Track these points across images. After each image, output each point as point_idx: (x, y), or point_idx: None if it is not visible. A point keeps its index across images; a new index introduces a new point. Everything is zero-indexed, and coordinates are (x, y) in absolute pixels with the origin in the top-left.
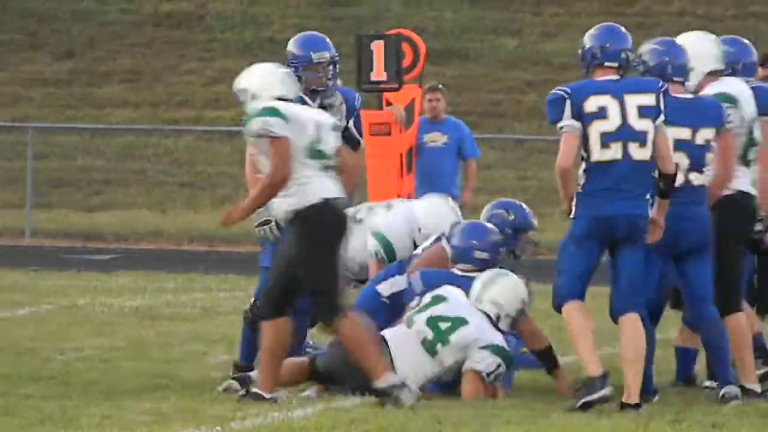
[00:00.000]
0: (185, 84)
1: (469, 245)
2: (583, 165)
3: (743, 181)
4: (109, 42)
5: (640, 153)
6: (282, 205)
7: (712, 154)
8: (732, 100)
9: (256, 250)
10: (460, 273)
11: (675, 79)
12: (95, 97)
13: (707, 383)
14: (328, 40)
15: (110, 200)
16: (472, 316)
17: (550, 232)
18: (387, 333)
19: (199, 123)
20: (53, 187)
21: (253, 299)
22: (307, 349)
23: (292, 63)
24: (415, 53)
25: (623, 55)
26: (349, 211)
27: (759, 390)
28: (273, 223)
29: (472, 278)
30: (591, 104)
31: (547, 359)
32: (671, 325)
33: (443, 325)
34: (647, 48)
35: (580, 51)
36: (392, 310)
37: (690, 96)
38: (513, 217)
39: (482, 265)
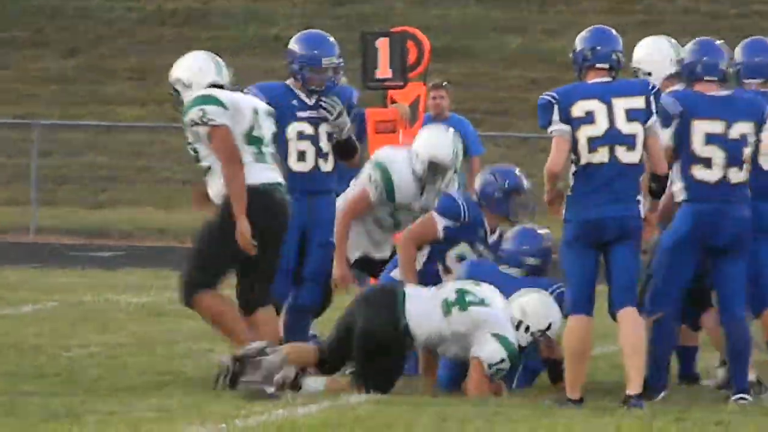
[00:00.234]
0: None
1: (520, 250)
2: (573, 168)
3: None
4: (114, 39)
5: (628, 156)
6: (216, 187)
7: (750, 149)
8: None
9: None
10: (506, 272)
11: (706, 78)
12: (101, 95)
13: (707, 382)
14: (334, 41)
15: (115, 197)
16: (497, 305)
17: (555, 231)
18: (410, 287)
19: None
20: (58, 184)
21: None
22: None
23: (299, 61)
24: (420, 51)
25: (614, 57)
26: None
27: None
28: None
29: (517, 279)
30: (578, 109)
31: (554, 370)
32: None
33: (468, 297)
34: (686, 48)
35: (571, 54)
36: None
37: (726, 93)
38: (501, 181)
39: (531, 271)
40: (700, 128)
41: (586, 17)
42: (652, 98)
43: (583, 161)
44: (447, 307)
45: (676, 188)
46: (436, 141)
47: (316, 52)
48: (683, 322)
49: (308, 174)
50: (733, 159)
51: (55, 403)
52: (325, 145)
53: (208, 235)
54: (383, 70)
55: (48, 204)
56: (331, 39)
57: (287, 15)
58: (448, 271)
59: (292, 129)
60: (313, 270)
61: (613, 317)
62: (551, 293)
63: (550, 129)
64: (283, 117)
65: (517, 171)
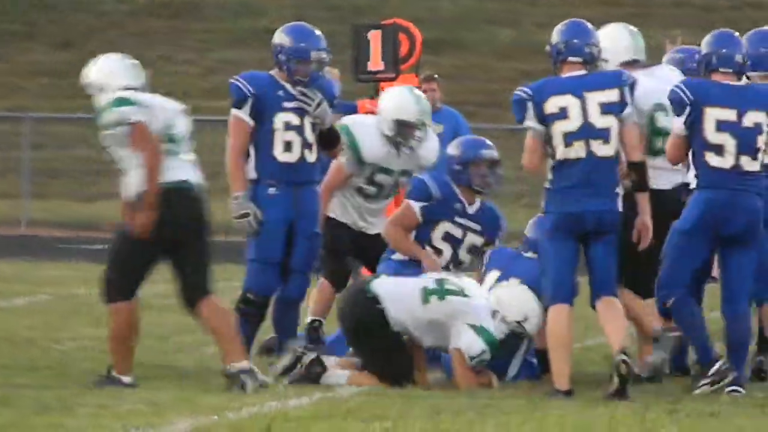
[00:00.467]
0: (182, 74)
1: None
2: (550, 162)
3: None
4: (106, 32)
5: (603, 149)
6: (131, 185)
7: (764, 138)
8: None
9: None
10: (529, 257)
11: (721, 69)
12: None
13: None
14: (321, 34)
15: (107, 190)
16: (476, 296)
17: None
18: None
19: (196, 113)
20: (49, 177)
21: (242, 292)
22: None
23: (286, 53)
24: (411, 43)
25: (587, 50)
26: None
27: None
28: (252, 216)
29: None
30: (551, 105)
31: (545, 361)
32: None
33: (447, 286)
34: (704, 40)
35: (547, 47)
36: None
37: (741, 83)
38: (459, 152)
39: None
40: (712, 115)
41: (577, 9)
42: (626, 89)
43: (559, 156)
44: (426, 295)
45: (691, 176)
46: (399, 100)
47: (303, 44)
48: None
49: (294, 165)
50: (746, 147)
51: (47, 396)
52: (310, 135)
53: (122, 237)
54: (375, 63)
55: (39, 197)
56: (318, 32)
57: (279, 7)
58: (438, 252)
59: (279, 119)
60: (300, 262)
61: (594, 309)
62: None
63: (525, 124)
64: (269, 107)
65: (486, 142)
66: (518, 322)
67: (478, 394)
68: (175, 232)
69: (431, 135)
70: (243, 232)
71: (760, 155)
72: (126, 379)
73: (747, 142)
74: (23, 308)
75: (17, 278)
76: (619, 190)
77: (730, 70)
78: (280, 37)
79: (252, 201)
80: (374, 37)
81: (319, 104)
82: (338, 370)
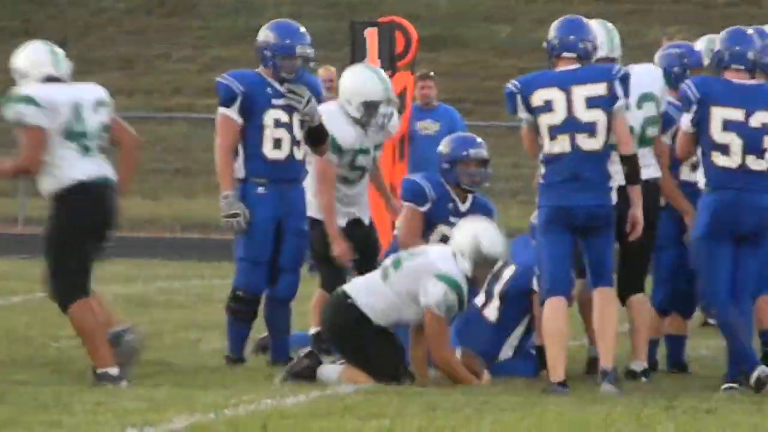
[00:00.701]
0: (179, 71)
1: None
2: (540, 156)
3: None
4: (102, 29)
5: (589, 143)
6: (42, 186)
7: None
8: None
9: None
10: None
11: (733, 66)
12: None
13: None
14: (305, 30)
15: None
16: (429, 252)
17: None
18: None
19: (193, 110)
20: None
21: (232, 290)
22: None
23: (272, 49)
24: (407, 40)
25: (582, 46)
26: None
27: (638, 369)
28: (241, 216)
29: None
30: (537, 98)
31: (542, 356)
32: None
33: (402, 257)
34: (718, 37)
35: (544, 43)
36: None
37: (751, 82)
38: (447, 150)
39: None
40: (719, 114)
41: (574, 6)
42: (616, 83)
43: (546, 149)
44: (384, 273)
45: (699, 175)
46: (362, 82)
47: (288, 41)
48: (675, 309)
49: (283, 162)
50: (753, 147)
51: (44, 393)
52: (298, 132)
53: (51, 240)
54: (372, 60)
55: (36, 195)
56: (303, 29)
57: (276, 4)
58: None
59: (269, 117)
60: (289, 260)
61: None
62: None
63: (518, 116)
64: (258, 105)
65: (475, 140)
66: (477, 249)
67: (475, 391)
68: (87, 228)
69: (394, 111)
70: (231, 230)
71: (767, 155)
72: (112, 370)
73: (753, 143)
74: (20, 306)
75: (15, 276)
76: (612, 184)
77: (743, 67)
78: (264, 34)
79: (241, 200)
80: (371, 34)
81: (308, 101)
82: (331, 365)
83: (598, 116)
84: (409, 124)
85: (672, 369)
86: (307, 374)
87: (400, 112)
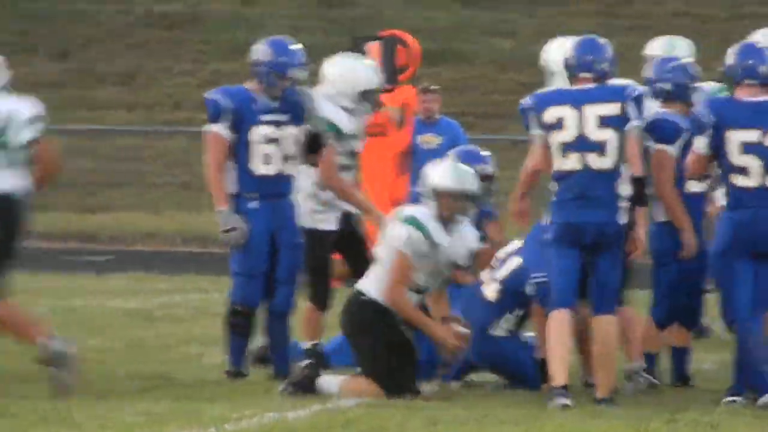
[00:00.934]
0: (179, 85)
1: None
2: (552, 173)
3: None
4: (103, 43)
5: (599, 162)
6: None
7: None
8: None
9: None
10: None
11: (746, 81)
12: (89, 99)
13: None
14: (301, 49)
15: (105, 202)
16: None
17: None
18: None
19: (193, 124)
20: (49, 188)
21: (230, 303)
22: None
23: (267, 66)
24: (409, 54)
25: (598, 67)
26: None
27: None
28: (238, 231)
29: None
30: (549, 115)
31: (543, 370)
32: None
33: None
34: (730, 51)
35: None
36: None
37: (760, 99)
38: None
39: None
40: (736, 138)
41: (575, 20)
42: (630, 103)
43: (556, 167)
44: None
45: (719, 194)
46: (354, 72)
47: (282, 59)
48: (678, 321)
49: (273, 177)
50: None
51: (45, 407)
52: (288, 147)
53: None
54: None
55: (39, 208)
56: (298, 48)
57: (276, 19)
58: None
59: (257, 132)
60: (286, 272)
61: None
62: None
63: (532, 132)
64: (246, 121)
65: (483, 155)
66: (430, 185)
67: (476, 405)
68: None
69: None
70: (230, 245)
71: None
72: (54, 342)
73: None
74: None
75: (16, 289)
76: (622, 204)
77: (755, 82)
78: (261, 50)
79: (236, 214)
80: (373, 48)
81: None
82: (331, 377)
83: (609, 136)
84: (411, 138)
85: (676, 382)
86: (306, 384)
87: (402, 125)
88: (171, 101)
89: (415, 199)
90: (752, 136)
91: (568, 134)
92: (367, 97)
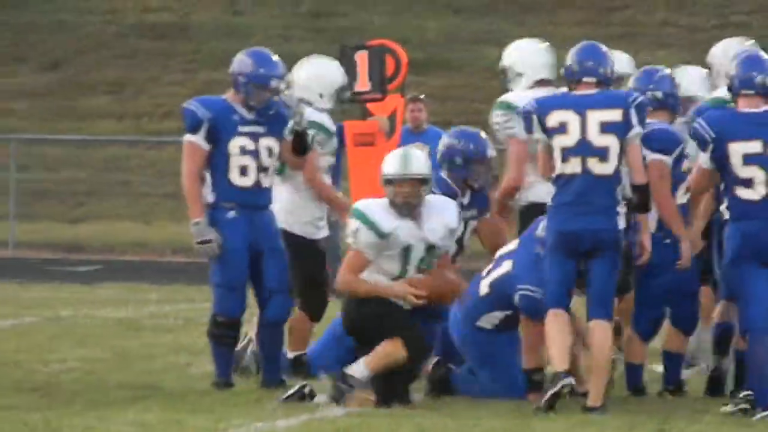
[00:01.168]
0: (169, 95)
1: None
2: (553, 177)
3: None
4: (92, 53)
5: (600, 168)
6: None
7: None
8: (512, 107)
9: None
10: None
11: (743, 92)
12: (78, 109)
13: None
14: (280, 60)
15: (93, 212)
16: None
17: None
18: None
19: (183, 134)
20: (36, 198)
21: (211, 316)
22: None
23: (247, 77)
24: (397, 63)
25: (601, 71)
26: None
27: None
28: (213, 242)
29: None
30: (552, 119)
31: (529, 381)
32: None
33: None
34: (731, 60)
35: (562, 69)
36: None
37: (760, 110)
38: (463, 146)
39: None
40: (737, 150)
41: (563, 29)
42: (632, 110)
43: (558, 171)
44: None
45: (723, 207)
46: (326, 71)
47: (263, 70)
48: (675, 325)
49: (250, 189)
50: None
51: (33, 418)
52: (265, 159)
53: None
54: (362, 83)
55: (26, 219)
56: (278, 59)
57: (266, 28)
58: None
59: (234, 144)
60: (275, 280)
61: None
62: None
63: (533, 136)
64: (224, 132)
65: (482, 135)
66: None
67: (465, 414)
68: None
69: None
70: (206, 256)
71: None
72: None
73: None
74: (10, 330)
75: (3, 300)
76: (620, 209)
77: (752, 92)
78: (241, 60)
79: (211, 225)
80: (361, 58)
81: (297, 105)
82: (356, 364)
83: (610, 142)
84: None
85: (668, 387)
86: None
87: (392, 135)
88: (160, 111)
89: None
90: (754, 147)
91: (570, 139)
92: (341, 93)
